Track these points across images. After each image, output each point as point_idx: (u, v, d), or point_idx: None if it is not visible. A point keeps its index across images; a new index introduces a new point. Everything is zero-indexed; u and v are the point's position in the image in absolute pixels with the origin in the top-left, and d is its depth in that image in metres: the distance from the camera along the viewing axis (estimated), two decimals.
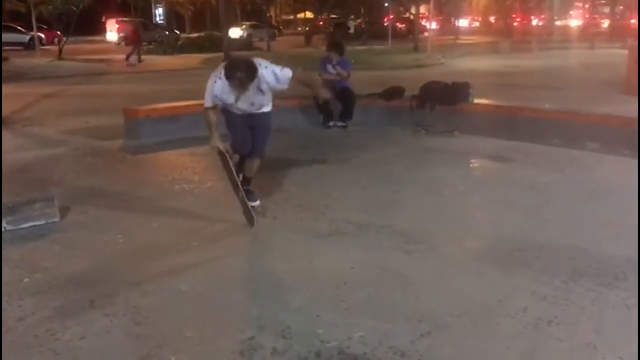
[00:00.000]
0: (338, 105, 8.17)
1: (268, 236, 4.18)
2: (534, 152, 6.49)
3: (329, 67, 8.13)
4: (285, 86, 4.33)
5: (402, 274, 3.50)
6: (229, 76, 3.99)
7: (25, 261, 3.72)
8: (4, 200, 4.62)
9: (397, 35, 35.00)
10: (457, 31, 41.37)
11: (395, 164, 6.26)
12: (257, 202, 4.63)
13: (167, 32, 35.59)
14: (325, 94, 5.02)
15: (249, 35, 33.33)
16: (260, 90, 4.26)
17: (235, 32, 37.48)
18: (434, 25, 33.11)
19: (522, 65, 18.72)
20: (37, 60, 21.89)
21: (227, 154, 4.29)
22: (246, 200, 4.32)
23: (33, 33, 30.97)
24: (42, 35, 33.34)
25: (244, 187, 4.45)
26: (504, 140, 6.94)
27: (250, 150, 4.56)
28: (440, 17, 48.35)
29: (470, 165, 6.41)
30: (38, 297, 3.21)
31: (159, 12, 46.27)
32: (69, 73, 17.91)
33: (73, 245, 3.99)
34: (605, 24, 44.68)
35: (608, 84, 12.06)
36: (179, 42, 26.05)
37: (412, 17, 39.99)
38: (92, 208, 4.73)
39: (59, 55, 23.37)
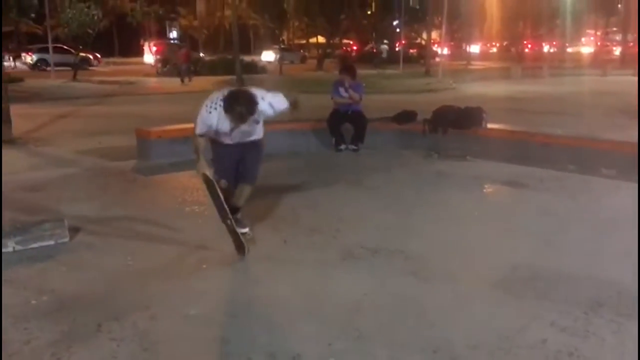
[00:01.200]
0: (350, 128, 8.16)
1: (279, 259, 4.11)
2: (548, 178, 6.40)
3: (342, 91, 8.12)
4: (277, 114, 4.24)
5: (416, 302, 3.41)
6: (228, 109, 3.86)
7: (33, 282, 3.67)
8: (14, 220, 4.62)
9: (409, 60, 35.21)
10: (468, 56, 41.56)
11: (408, 188, 6.20)
12: (247, 229, 4.44)
13: None
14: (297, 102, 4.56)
15: (281, 58, 34.06)
16: (256, 121, 4.19)
17: (267, 55, 38.45)
18: (445, 51, 33.22)
19: (534, 91, 18.70)
20: (51, 82, 22.17)
21: (214, 180, 4.11)
22: (236, 228, 4.12)
23: (82, 54, 32.05)
24: (91, 57, 34.28)
25: (233, 216, 4.21)
26: (517, 165, 6.87)
27: (238, 178, 4.38)
28: (452, 43, 48.59)
29: (484, 190, 6.32)
30: (45, 319, 3.15)
31: (173, 35, 46.85)
32: (83, 94, 18.07)
33: (81, 266, 3.94)
34: (617, 51, 44.70)
35: (621, 111, 11.99)
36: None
37: (423, 42, 40.33)
38: (102, 229, 4.69)
39: (74, 77, 23.65)
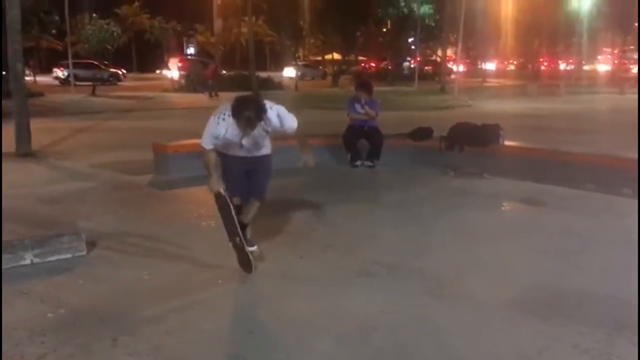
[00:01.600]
0: (366, 144, 8.15)
1: (295, 276, 4.08)
2: (567, 197, 6.32)
3: (357, 107, 8.12)
4: (286, 133, 4.14)
5: (433, 321, 3.36)
6: (236, 114, 3.77)
7: (49, 295, 3.68)
8: (32, 233, 4.65)
9: (423, 77, 35.25)
10: (483, 74, 41.50)
11: (424, 205, 6.15)
12: (255, 248, 4.35)
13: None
14: (309, 161, 4.40)
15: (302, 75, 34.53)
16: (266, 132, 4.06)
17: (289, 72, 38.96)
18: (460, 68, 33.23)
19: (551, 109, 18.58)
20: (71, 96, 22.47)
21: (227, 197, 4.05)
22: (245, 246, 4.07)
23: (113, 70, 32.96)
24: (120, 72, 35.10)
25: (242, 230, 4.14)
26: (535, 183, 6.80)
27: (247, 193, 4.30)
28: (467, 60, 48.61)
29: (502, 208, 6.26)
30: (61, 333, 3.15)
31: (190, 52, 47.39)
32: (101, 109, 18.29)
33: (98, 280, 3.95)
34: (635, 69, 44.35)
35: None
36: (210, 81, 26.60)
37: (438, 59, 40.40)
38: (119, 243, 4.70)
39: (93, 92, 23.96)
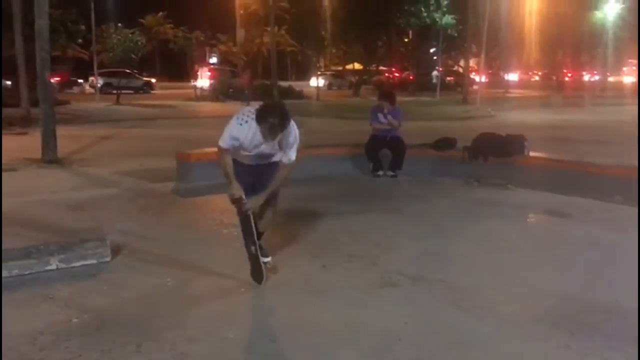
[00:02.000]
0: (388, 154, 8.12)
1: (317, 285, 4.05)
2: (594, 209, 6.21)
3: (380, 117, 8.10)
4: (288, 159, 3.97)
5: (458, 333, 3.31)
6: (260, 119, 3.64)
7: (74, 301, 3.70)
8: (57, 239, 4.70)
9: (445, 87, 35.11)
10: (506, 84, 41.19)
11: (448, 215, 6.09)
12: (269, 259, 4.29)
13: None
14: (252, 203, 4.00)
15: (330, 84, 34.74)
16: (279, 144, 3.89)
17: (318, 81, 39.30)
18: (483, 79, 33.03)
19: (575, 120, 18.35)
20: (95, 105, 22.81)
21: (244, 203, 3.94)
22: (259, 256, 4.02)
23: (146, 79, 33.76)
24: (154, 81, 35.77)
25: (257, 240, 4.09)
26: (561, 195, 6.70)
27: (259, 189, 4.08)
28: (489, 71, 48.30)
29: (527, 219, 6.17)
30: (85, 338, 3.17)
31: (212, 61, 47.84)
32: (125, 117, 18.52)
33: (122, 286, 3.96)
34: None
35: None
36: (231, 90, 26.84)
37: (460, 69, 40.21)
38: (143, 249, 4.72)
39: (117, 100, 24.29)
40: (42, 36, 9.19)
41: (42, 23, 9.19)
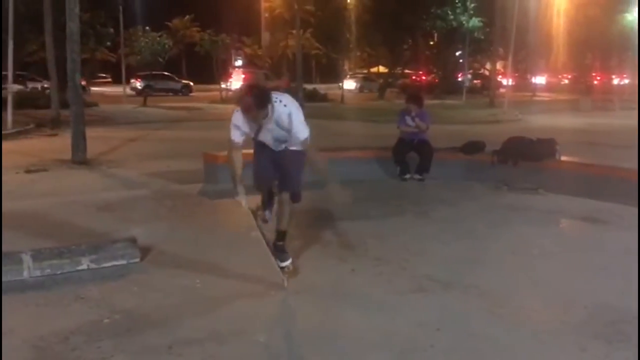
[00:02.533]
0: (415, 157, 8.04)
1: (347, 289, 4.02)
2: (628, 215, 6.05)
3: (408, 119, 8.03)
4: (296, 139, 3.91)
5: (492, 341, 3.24)
6: (239, 100, 3.73)
7: (105, 301, 3.72)
8: (87, 239, 4.74)
9: (471, 90, 34.76)
10: (533, 88, 40.66)
11: (477, 220, 6.00)
12: (288, 263, 4.13)
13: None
14: (335, 192, 4.18)
15: (362, 87, 34.93)
16: (280, 127, 3.85)
17: (349, 84, 39.77)
18: (509, 82, 32.65)
19: (606, 124, 18.00)
20: (123, 107, 23.10)
21: (251, 213, 4.01)
22: (275, 259, 3.98)
23: (185, 81, 34.68)
24: (192, 84, 36.47)
25: (277, 242, 4.10)
26: (593, 200, 6.55)
27: (278, 188, 4.15)
28: (516, 74, 47.74)
29: (559, 225, 6.05)
30: (117, 339, 3.17)
31: (237, 64, 48.08)
32: (152, 119, 18.72)
33: (152, 287, 3.98)
34: None
35: None
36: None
37: (486, 72, 39.80)
38: (172, 250, 4.74)
39: (144, 102, 24.57)
40: (73, 39, 9.33)
41: (73, 26, 9.33)
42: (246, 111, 3.71)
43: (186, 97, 33.04)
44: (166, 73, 33.90)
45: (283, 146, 4.02)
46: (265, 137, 3.94)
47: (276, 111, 3.79)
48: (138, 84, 34.00)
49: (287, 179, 4.12)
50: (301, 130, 3.88)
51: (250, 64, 49.09)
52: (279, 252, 4.10)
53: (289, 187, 4.14)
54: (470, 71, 35.03)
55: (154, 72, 30.55)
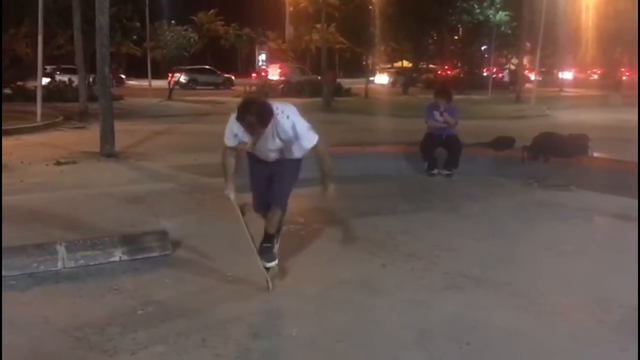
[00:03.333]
0: (443, 153, 7.96)
1: (378, 285, 3.98)
2: None
3: (436, 114, 7.95)
4: (303, 149, 3.79)
5: (529, 339, 3.18)
6: (239, 117, 3.53)
7: (138, 292, 3.74)
8: (118, 231, 4.78)
9: (496, 85, 34.35)
10: (560, 83, 40.01)
11: (508, 217, 5.92)
12: (273, 264, 3.99)
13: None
14: (329, 195, 3.95)
15: (395, 82, 35.26)
16: (281, 139, 3.71)
17: (381, 79, 40.10)
18: (537, 77, 32.15)
19: (635, 120, 17.57)
20: (149, 100, 23.29)
21: (238, 209, 3.96)
22: (260, 259, 3.89)
23: (227, 75, 35.62)
24: (233, 77, 37.14)
25: (263, 244, 3.94)
26: (627, 198, 6.39)
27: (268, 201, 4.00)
28: (543, 69, 47.04)
29: (592, 222, 5.93)
30: (151, 330, 3.19)
31: (261, 58, 48.27)
32: (178, 112, 18.85)
33: (184, 279, 3.99)
34: None
35: None
36: (281, 86, 27.08)
37: (512, 67, 39.26)
38: (201, 243, 4.75)
39: (169, 96, 24.74)
40: (102, 32, 9.40)
41: (102, 20, 9.39)
42: (250, 132, 3.58)
43: (228, 90, 33.40)
44: (208, 67, 34.60)
45: (278, 157, 3.89)
46: (262, 147, 3.79)
47: (279, 124, 3.64)
48: (182, 78, 34.76)
49: (275, 194, 3.95)
50: (309, 138, 3.74)
51: (273, 58, 49.23)
52: (265, 252, 3.95)
53: (277, 202, 3.94)
54: (511, 66, 34.55)
55: (197, 67, 31.37)
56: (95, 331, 3.16)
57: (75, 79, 20.54)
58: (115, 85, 30.64)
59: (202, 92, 31.63)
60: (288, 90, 27.97)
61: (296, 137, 3.70)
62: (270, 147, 3.79)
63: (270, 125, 3.60)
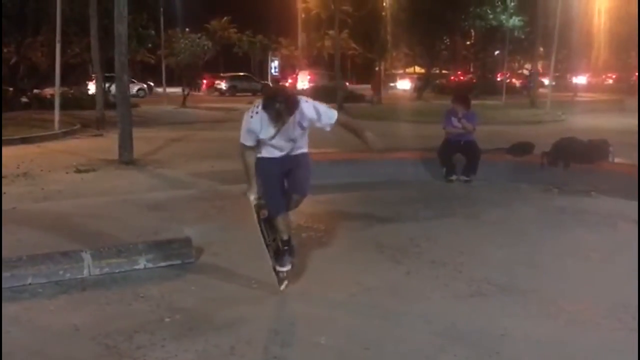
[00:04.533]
0: (461, 159, 7.93)
1: (404, 292, 3.97)
2: None
3: (454, 121, 7.92)
4: (326, 127, 3.86)
5: (561, 347, 3.15)
6: (266, 106, 3.58)
7: (164, 300, 3.76)
8: (144, 237, 4.80)
9: (510, 90, 34.19)
10: (574, 88, 39.73)
11: (529, 223, 5.88)
12: (286, 269, 4.01)
13: None
14: (376, 143, 4.09)
15: (416, 87, 36.83)
16: (302, 127, 3.82)
17: (403, 84, 40.74)
18: (552, 82, 31.97)
19: None
20: (163, 107, 23.46)
21: (255, 208, 3.98)
22: (273, 261, 3.95)
23: (264, 82, 36.93)
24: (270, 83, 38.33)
25: (284, 247, 4.02)
26: None
27: (289, 192, 4.01)
28: (557, 74, 46.74)
29: (616, 228, 5.86)
30: (180, 338, 3.20)
31: (274, 65, 48.41)
32: (193, 119, 18.95)
33: (209, 287, 4.00)
34: None
35: None
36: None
37: (526, 72, 39.05)
38: (225, 250, 4.77)
39: (183, 103, 24.89)
40: (120, 40, 9.49)
41: (121, 28, 9.49)
42: (276, 120, 3.60)
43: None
44: (247, 74, 35.80)
45: (293, 150, 3.95)
46: (283, 136, 3.80)
47: (303, 111, 3.72)
48: (223, 85, 35.66)
49: (299, 186, 4.01)
50: (330, 115, 3.85)
51: (286, 65, 49.41)
52: (280, 255, 4.00)
53: (301, 191, 4.01)
54: (539, 70, 34.34)
55: (236, 74, 32.35)
56: (124, 339, 3.18)
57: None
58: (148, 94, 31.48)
59: (235, 99, 32.04)
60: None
61: (319, 115, 3.80)
62: (290, 136, 3.84)
63: (298, 114, 3.69)
